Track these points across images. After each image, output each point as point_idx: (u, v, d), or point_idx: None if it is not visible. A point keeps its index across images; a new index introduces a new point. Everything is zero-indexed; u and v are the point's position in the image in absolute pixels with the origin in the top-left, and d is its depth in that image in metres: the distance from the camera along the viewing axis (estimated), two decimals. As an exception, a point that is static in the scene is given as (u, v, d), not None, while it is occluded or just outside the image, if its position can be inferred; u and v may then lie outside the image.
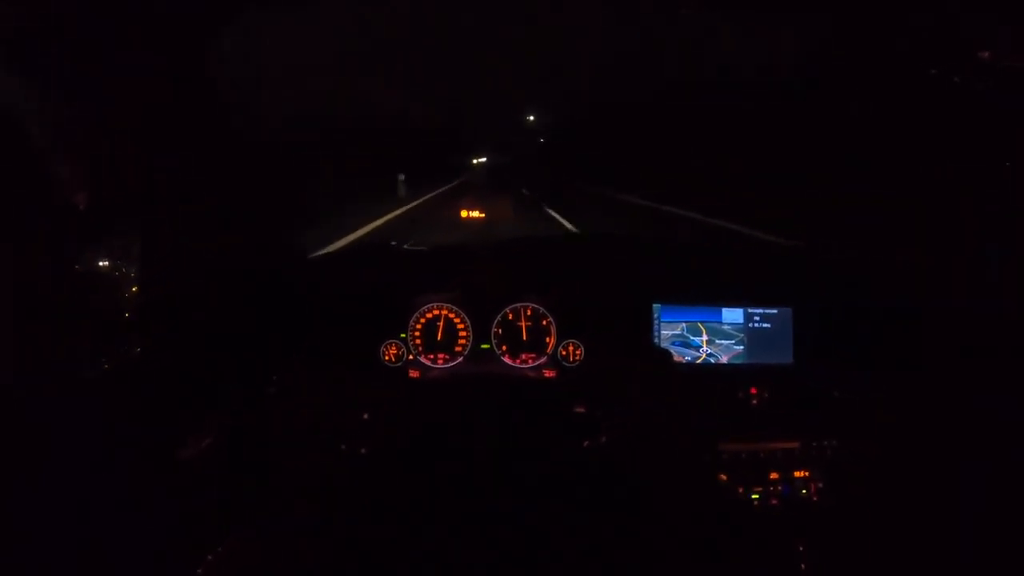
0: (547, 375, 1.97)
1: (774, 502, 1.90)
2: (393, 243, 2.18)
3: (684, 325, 1.98)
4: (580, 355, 1.97)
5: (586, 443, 1.81)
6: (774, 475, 1.91)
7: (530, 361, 1.98)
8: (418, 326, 1.98)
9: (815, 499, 1.92)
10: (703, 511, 1.85)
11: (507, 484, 1.79)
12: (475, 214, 2.29)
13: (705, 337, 1.99)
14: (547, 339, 1.98)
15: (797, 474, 1.93)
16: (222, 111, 1.69)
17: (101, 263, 1.53)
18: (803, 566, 1.83)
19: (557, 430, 1.84)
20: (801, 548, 1.84)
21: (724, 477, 1.90)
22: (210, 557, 1.56)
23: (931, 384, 1.92)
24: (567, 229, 2.16)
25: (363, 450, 1.83)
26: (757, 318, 2.01)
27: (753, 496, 1.90)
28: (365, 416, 1.84)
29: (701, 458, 1.88)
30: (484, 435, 1.84)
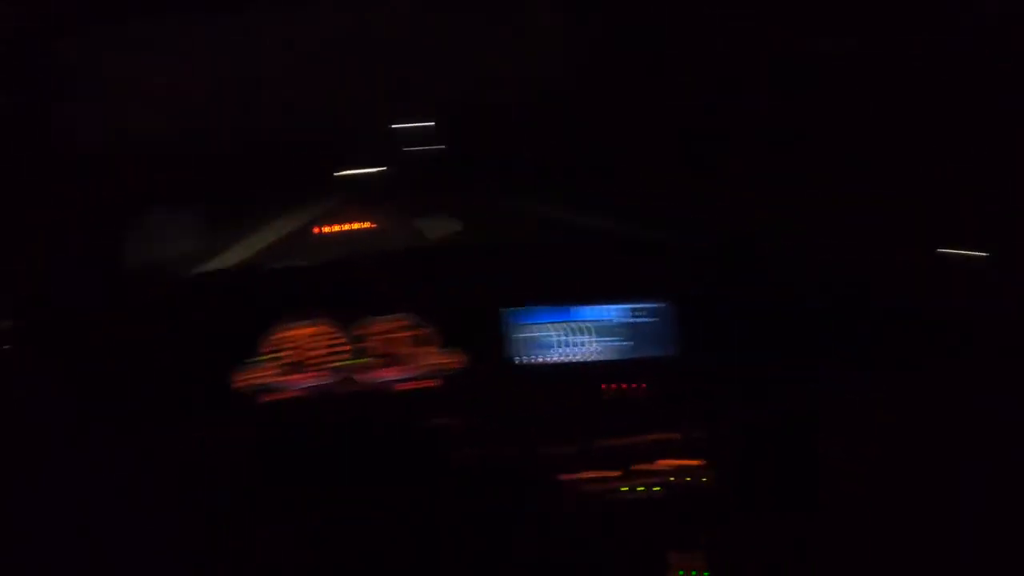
0: (412, 387, 1.93)
1: (659, 492, 1.88)
2: (252, 264, 2.14)
3: (553, 325, 1.95)
4: (444, 364, 1.93)
5: (447, 458, 1.77)
6: (657, 466, 1.90)
7: (395, 375, 1.93)
8: (278, 347, 1.92)
9: (703, 483, 1.91)
10: (578, 512, 1.83)
11: (371, 503, 1.75)
12: (344, 227, 2.26)
13: (570, 336, 1.96)
14: (412, 351, 1.94)
15: (680, 463, 1.91)
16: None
17: None
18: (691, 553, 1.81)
19: (420, 446, 1.81)
20: (693, 535, 1.82)
21: (605, 473, 1.87)
22: None
23: (823, 369, 1.92)
24: (434, 239, 2.15)
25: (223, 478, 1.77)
26: (635, 313, 1.98)
27: (638, 488, 1.87)
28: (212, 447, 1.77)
29: (571, 459, 1.85)
30: (345, 455, 1.79)
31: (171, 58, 1.78)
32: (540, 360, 1.96)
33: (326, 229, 2.24)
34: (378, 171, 2.30)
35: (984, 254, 1.83)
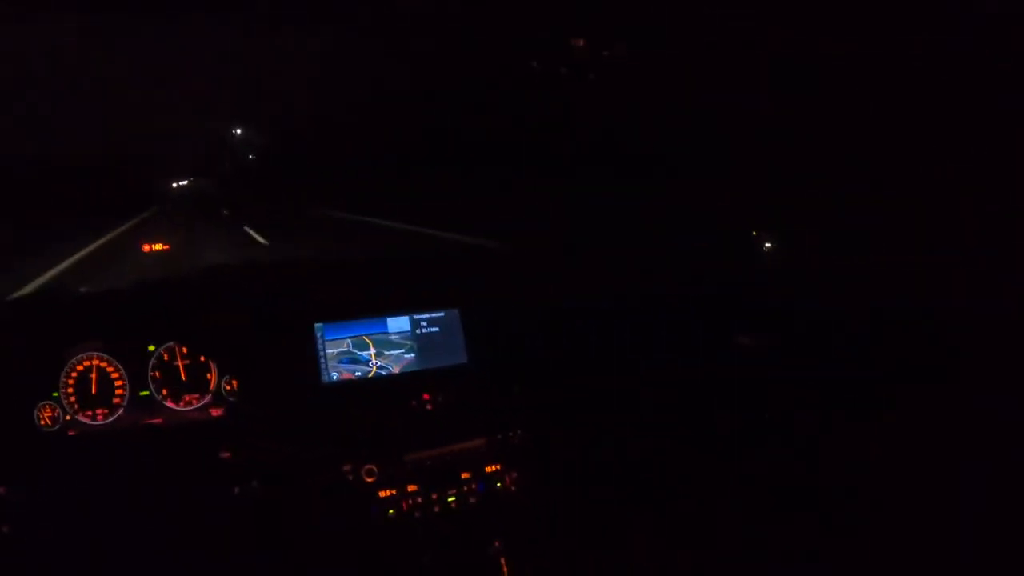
0: (214, 414, 1.91)
1: (472, 501, 1.92)
2: (50, 291, 2.06)
3: (350, 341, 1.97)
4: (246, 388, 1.92)
5: (236, 490, 1.76)
6: (466, 475, 1.93)
7: (195, 402, 1.91)
8: (70, 381, 1.87)
9: (513, 489, 1.96)
10: (394, 528, 1.84)
11: (177, 537, 1.71)
12: (158, 247, 2.20)
13: (373, 350, 1.99)
14: (208, 376, 1.92)
15: (489, 469, 1.96)
16: None
17: None
18: (505, 559, 1.85)
19: (209, 478, 1.78)
20: (499, 543, 1.87)
21: (415, 487, 1.90)
22: None
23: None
24: (255, 249, 2.13)
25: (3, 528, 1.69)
26: (424, 323, 2.03)
27: (450, 499, 1.90)
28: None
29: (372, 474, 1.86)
30: (142, 492, 1.75)
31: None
32: (352, 376, 1.98)
33: (156, 247, 2.18)
34: (188, 183, 2.26)
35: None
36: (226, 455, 1.78)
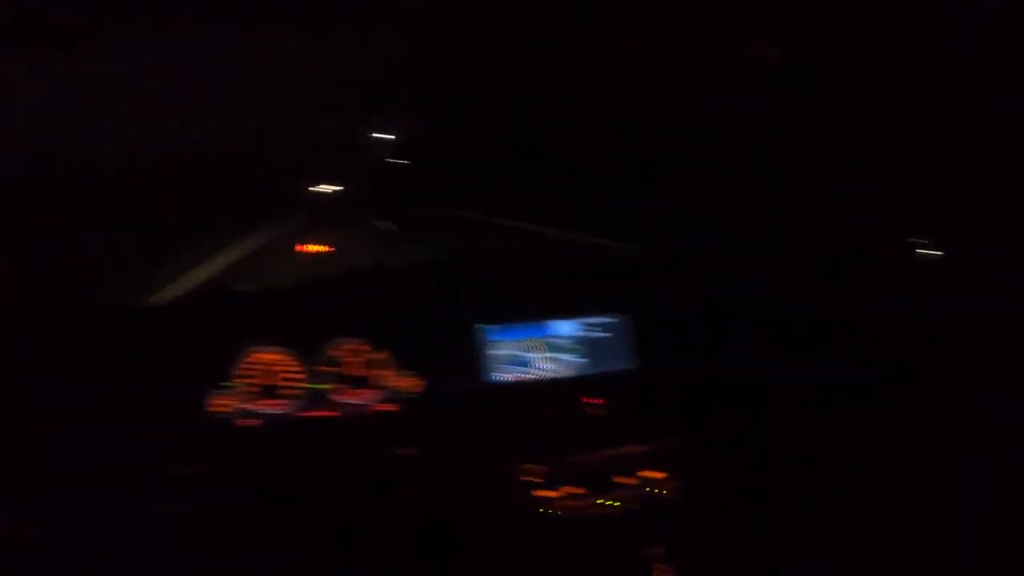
0: (383, 409, 1.92)
1: (633, 506, 1.89)
2: (218, 289, 2.12)
3: (516, 343, 1.99)
4: (415, 386, 1.93)
5: (413, 485, 1.75)
6: (628, 480, 1.91)
7: (365, 398, 1.92)
8: (246, 372, 1.89)
9: (673, 496, 1.92)
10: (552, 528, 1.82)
11: (341, 530, 1.70)
12: (313, 248, 2.26)
13: (541, 354, 2.00)
14: (380, 373, 1.93)
15: (650, 475, 1.93)
16: None
17: None
18: (667, 566, 1.81)
19: (387, 473, 1.78)
20: (664, 548, 1.82)
21: (579, 489, 1.87)
22: None
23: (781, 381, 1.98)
24: (399, 257, 2.19)
25: (185, 508, 1.69)
26: (593, 328, 2.04)
27: (613, 503, 1.88)
28: (182, 471, 1.70)
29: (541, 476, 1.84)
30: (316, 483, 1.75)
31: (139, 77, 1.81)
32: (514, 377, 1.99)
33: (299, 248, 2.24)
34: (341, 187, 2.33)
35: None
36: (403, 450, 1.77)
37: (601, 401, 2.00)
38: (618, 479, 1.91)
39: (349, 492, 1.77)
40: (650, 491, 1.92)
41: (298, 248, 2.28)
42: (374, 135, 2.35)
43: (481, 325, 1.99)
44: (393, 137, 2.31)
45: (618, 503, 1.88)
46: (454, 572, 1.75)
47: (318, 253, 2.25)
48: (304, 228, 2.37)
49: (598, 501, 1.87)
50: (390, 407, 1.93)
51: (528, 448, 1.88)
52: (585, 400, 1.99)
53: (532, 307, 2.05)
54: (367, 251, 2.33)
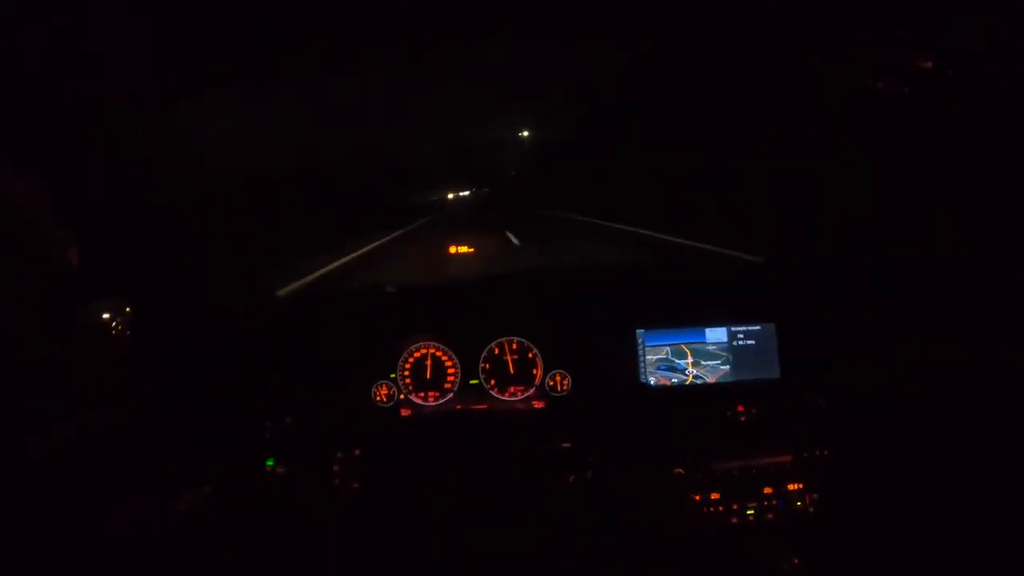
0: (536, 406, 2.00)
1: (770, 516, 1.92)
2: (380, 286, 2.22)
3: (669, 348, 2.00)
4: (568, 385, 2.00)
5: (572, 477, 1.83)
6: (768, 490, 1.94)
7: (519, 394, 2.01)
8: (407, 366, 2.02)
9: (811, 510, 1.95)
10: (693, 532, 1.88)
11: (498, 518, 1.82)
12: (463, 249, 2.32)
13: (690, 359, 2.01)
14: (534, 371, 2.01)
15: (791, 487, 1.95)
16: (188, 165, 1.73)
17: (104, 315, 1.58)
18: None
19: (544, 464, 1.87)
20: (798, 560, 1.87)
21: (718, 495, 1.92)
22: None
23: (925, 391, 1.92)
24: (548, 260, 2.20)
25: (355, 485, 1.86)
26: (741, 335, 2.03)
27: (748, 512, 1.92)
28: (357, 452, 1.86)
29: (689, 480, 1.89)
30: (475, 470, 1.87)
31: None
32: (669, 382, 2.02)
33: (462, 250, 2.30)
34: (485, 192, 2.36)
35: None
36: (565, 445, 1.84)
37: (743, 408, 2.00)
38: (756, 488, 1.94)
39: (501, 481, 1.89)
40: (787, 502, 1.95)
41: (449, 248, 2.33)
42: (520, 134, 2.32)
43: (641, 330, 2.01)
44: (527, 133, 2.27)
45: (752, 511, 1.92)
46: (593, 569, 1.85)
47: (463, 254, 2.30)
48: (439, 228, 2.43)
49: (734, 507, 1.92)
50: (542, 404, 2.01)
51: (676, 451, 1.92)
52: (729, 407, 1.99)
53: (684, 313, 2.04)
54: (506, 255, 2.36)
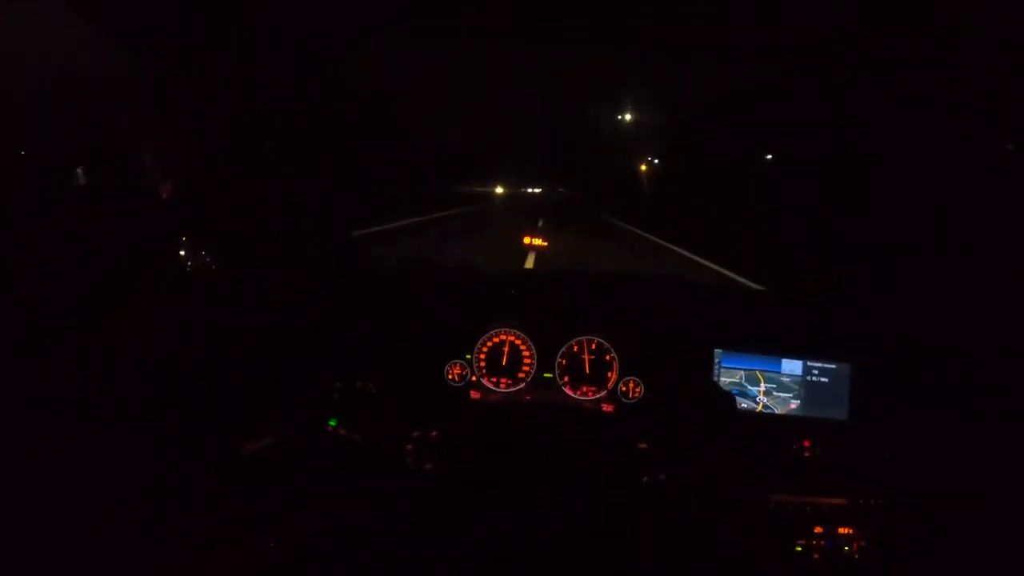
0: (605, 409, 2.02)
1: (816, 556, 1.93)
2: (466, 267, 2.25)
3: (743, 373, 2.02)
4: (640, 392, 2.01)
5: (645, 478, 1.84)
6: (818, 529, 1.94)
7: (590, 394, 2.03)
8: (484, 349, 2.04)
9: (856, 556, 1.95)
10: (749, 556, 1.88)
11: (562, 511, 1.82)
12: (537, 241, 2.35)
13: (763, 387, 2.03)
14: (609, 374, 2.03)
15: (841, 530, 1.96)
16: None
17: (181, 252, 1.61)
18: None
19: (617, 463, 1.87)
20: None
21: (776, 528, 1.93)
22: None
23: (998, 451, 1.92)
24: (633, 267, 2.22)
25: (428, 465, 1.87)
26: (815, 371, 2.04)
27: (796, 548, 1.93)
28: (434, 433, 1.87)
29: (751, 506, 1.90)
30: (543, 462, 1.88)
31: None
32: (742, 407, 2.03)
33: (536, 242, 2.33)
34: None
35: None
36: (643, 446, 1.84)
37: (809, 444, 2.01)
38: (807, 525, 1.94)
39: (563, 476, 1.89)
40: (835, 544, 1.95)
41: (524, 239, 2.36)
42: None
43: (719, 349, 2.03)
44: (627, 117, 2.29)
45: (800, 548, 1.92)
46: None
47: (537, 247, 2.34)
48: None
49: (782, 540, 1.92)
50: (611, 408, 2.03)
51: (738, 476, 1.93)
52: (796, 441, 2.00)
53: (763, 340, 2.06)
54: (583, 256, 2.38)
